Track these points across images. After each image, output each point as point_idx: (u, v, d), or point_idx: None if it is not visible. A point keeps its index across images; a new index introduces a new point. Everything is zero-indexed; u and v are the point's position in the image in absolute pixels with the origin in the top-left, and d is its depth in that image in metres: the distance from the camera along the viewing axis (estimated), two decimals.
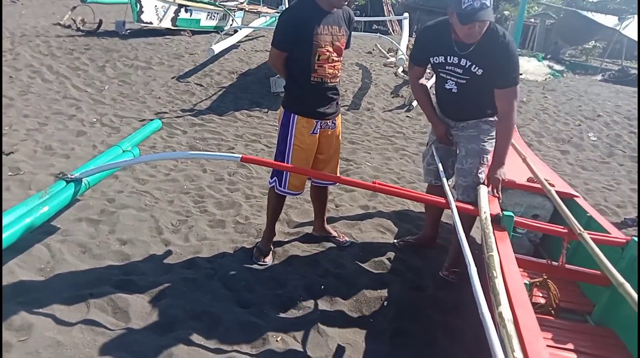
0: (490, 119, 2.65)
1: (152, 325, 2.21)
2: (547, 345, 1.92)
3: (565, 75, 13.76)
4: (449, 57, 2.49)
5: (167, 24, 9.34)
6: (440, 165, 2.75)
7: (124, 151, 3.46)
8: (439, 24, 2.55)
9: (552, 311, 2.27)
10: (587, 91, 10.25)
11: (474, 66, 2.44)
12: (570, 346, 2.03)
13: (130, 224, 3.06)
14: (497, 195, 2.54)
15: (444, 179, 2.61)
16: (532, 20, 23.82)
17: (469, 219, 2.61)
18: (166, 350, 2.05)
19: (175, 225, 3.16)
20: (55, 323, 2.13)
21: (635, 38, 17.12)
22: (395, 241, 3.24)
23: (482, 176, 2.64)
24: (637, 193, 4.57)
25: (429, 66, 2.71)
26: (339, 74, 2.62)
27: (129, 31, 9.05)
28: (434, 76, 2.73)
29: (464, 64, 2.46)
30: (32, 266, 2.49)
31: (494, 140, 2.63)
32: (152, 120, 4.93)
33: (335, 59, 2.54)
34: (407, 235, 3.35)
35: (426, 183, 3.05)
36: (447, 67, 2.53)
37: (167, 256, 2.79)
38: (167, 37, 9.21)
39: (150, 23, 8.94)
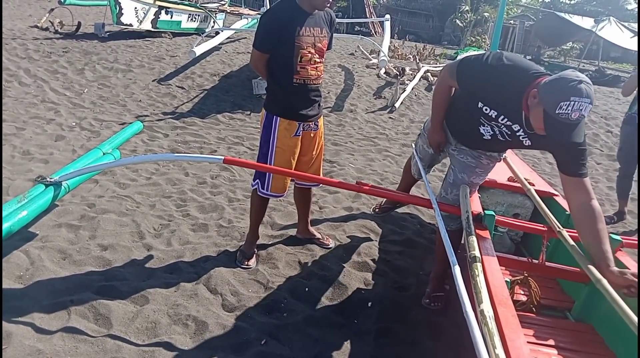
0: (495, 154, 2.43)
1: (134, 330, 2.18)
2: (528, 341, 1.95)
3: None
4: (502, 118, 2.07)
5: (147, 26, 9.24)
6: (422, 169, 2.70)
7: (104, 154, 3.42)
8: (512, 79, 1.95)
9: (533, 308, 2.30)
10: None
11: (525, 137, 2.08)
12: (550, 342, 2.07)
13: (111, 229, 3.01)
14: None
15: (427, 182, 2.61)
16: (512, 22, 24.21)
17: (457, 239, 2.47)
18: (149, 356, 2.03)
19: (157, 230, 3.12)
20: (35, 331, 2.09)
21: (611, 39, 17.52)
22: (373, 208, 3.35)
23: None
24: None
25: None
26: (321, 76, 2.63)
27: (108, 33, 8.94)
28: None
29: (516, 130, 2.07)
30: (11, 274, 2.44)
31: (486, 173, 2.47)
32: (132, 123, 4.87)
33: (318, 60, 2.55)
34: (391, 235, 3.37)
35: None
36: (492, 122, 2.13)
37: (149, 261, 2.76)
38: (147, 39, 9.11)
39: (130, 25, 8.83)
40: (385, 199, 3.21)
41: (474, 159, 2.41)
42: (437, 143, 2.55)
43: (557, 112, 1.71)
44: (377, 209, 3.31)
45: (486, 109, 2.10)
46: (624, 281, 1.78)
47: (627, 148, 4.18)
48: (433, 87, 5.25)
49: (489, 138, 2.21)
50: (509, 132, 2.12)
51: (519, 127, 2.05)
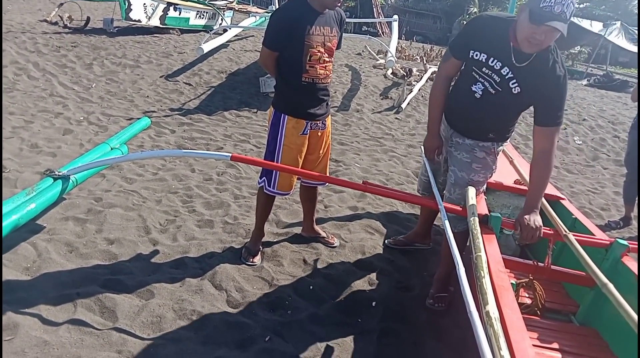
0: (487, 144, 2.43)
1: (139, 324, 2.19)
2: (533, 345, 1.95)
3: None
4: (491, 60, 2.19)
5: (155, 22, 9.27)
6: (431, 175, 2.62)
7: (112, 149, 3.43)
8: (499, 21, 2.19)
9: (538, 312, 2.30)
10: (572, 96, 10.38)
11: (514, 81, 2.16)
12: (555, 345, 2.06)
13: (118, 223, 3.03)
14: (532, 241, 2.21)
15: (435, 188, 2.54)
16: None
17: (463, 240, 2.43)
18: (154, 350, 2.04)
19: (163, 225, 3.14)
20: (41, 322, 2.10)
21: (619, 44, 17.42)
22: (387, 241, 3.26)
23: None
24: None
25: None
26: (330, 75, 2.63)
27: (117, 29, 8.98)
28: (457, 77, 2.46)
29: (504, 74, 2.16)
30: (18, 265, 2.46)
31: (485, 170, 2.47)
32: (140, 118, 4.89)
33: (327, 59, 2.55)
34: (396, 235, 3.37)
35: (419, 194, 2.96)
36: (483, 69, 2.23)
37: (155, 255, 2.77)
38: (155, 35, 9.15)
39: (139, 21, 8.87)
40: (401, 236, 3.25)
41: (468, 154, 2.43)
42: (434, 146, 2.57)
43: (541, 6, 1.90)
44: (391, 241, 3.23)
45: (477, 56, 2.23)
46: (526, 229, 2.13)
47: (634, 153, 4.16)
48: None
49: (480, 94, 2.26)
50: (499, 80, 2.19)
51: (507, 70, 2.15)
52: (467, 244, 2.24)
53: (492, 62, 2.19)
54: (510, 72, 2.15)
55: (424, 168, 2.80)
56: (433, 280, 2.73)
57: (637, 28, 18.07)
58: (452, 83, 2.50)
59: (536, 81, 2.11)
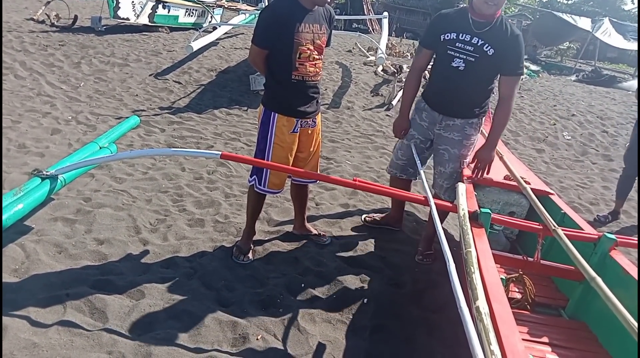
0: (475, 120, 2.76)
1: (130, 325, 2.18)
2: (523, 339, 1.97)
3: (540, 75, 14.05)
4: (461, 35, 2.56)
5: (144, 20, 9.19)
6: (420, 169, 2.82)
7: (100, 148, 3.41)
8: (456, 9, 2.69)
9: (528, 306, 2.32)
10: (562, 91, 10.47)
11: (486, 44, 2.51)
12: (545, 339, 2.08)
13: (107, 223, 3.01)
14: (481, 174, 2.78)
15: (424, 178, 2.67)
16: (509, 20, 24.24)
17: (444, 213, 2.81)
18: (145, 350, 2.03)
19: (153, 224, 3.12)
20: (30, 324, 2.08)
21: (607, 41, 17.58)
22: (362, 217, 3.44)
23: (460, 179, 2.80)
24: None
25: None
26: (320, 72, 2.63)
27: (105, 27, 8.88)
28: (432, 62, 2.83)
29: (475, 42, 2.53)
30: (6, 267, 2.43)
31: (472, 145, 2.82)
32: (129, 117, 4.86)
33: (316, 57, 2.54)
34: (387, 232, 3.38)
35: (389, 174, 3.24)
36: (457, 45, 2.57)
37: (145, 255, 2.75)
38: (144, 33, 9.07)
39: (127, 19, 8.78)
40: (377, 214, 3.51)
41: (459, 133, 2.75)
42: (403, 128, 2.94)
43: None
44: (367, 218, 3.43)
45: (448, 36, 2.59)
46: (484, 161, 2.70)
47: (635, 149, 4.18)
48: None
49: (464, 66, 2.58)
50: (473, 49, 2.54)
51: (477, 39, 2.53)
52: (458, 240, 2.26)
53: (462, 36, 2.56)
54: (479, 39, 2.53)
55: (399, 153, 3.05)
56: (421, 239, 3.16)
57: (625, 24, 18.25)
58: (428, 74, 2.85)
59: (501, 41, 2.51)
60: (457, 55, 2.58)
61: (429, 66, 2.91)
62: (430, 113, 2.83)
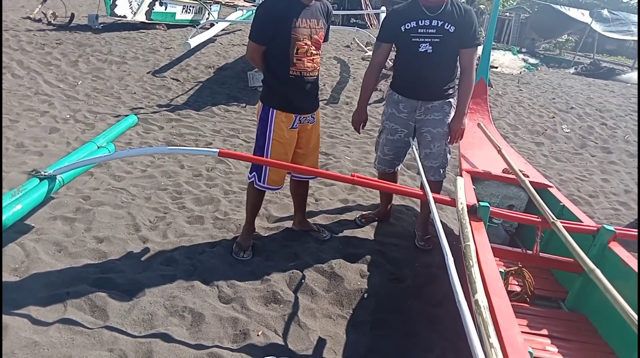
0: (451, 100, 2.90)
1: (131, 322, 2.18)
2: (522, 331, 1.98)
3: (539, 68, 14.03)
4: (420, 21, 2.69)
5: (141, 17, 9.16)
6: (420, 166, 2.82)
7: (99, 147, 3.40)
8: (405, 3, 2.83)
9: (527, 299, 2.32)
10: (560, 84, 10.47)
11: (446, 24, 2.66)
12: (544, 332, 2.09)
13: (107, 221, 3.01)
14: (458, 142, 3.00)
15: (423, 174, 2.66)
16: (507, 14, 24.16)
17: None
18: (146, 348, 2.03)
19: (153, 222, 3.12)
20: (31, 323, 2.09)
21: (605, 33, 17.54)
22: (357, 218, 3.41)
23: (449, 156, 2.97)
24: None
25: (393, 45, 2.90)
26: (318, 68, 2.62)
27: (102, 25, 8.86)
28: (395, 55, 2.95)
29: (435, 24, 2.68)
30: (6, 266, 2.43)
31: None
32: (127, 116, 4.85)
33: (314, 52, 2.54)
34: (387, 227, 3.38)
35: (378, 170, 3.27)
36: (419, 31, 2.70)
37: (145, 253, 2.76)
38: (141, 31, 9.04)
39: (124, 17, 8.75)
40: (369, 212, 3.52)
41: (439, 112, 2.88)
42: (361, 120, 3.06)
43: None
44: (363, 220, 3.39)
45: (408, 26, 2.71)
46: (458, 130, 2.86)
47: None
48: None
49: (431, 49, 2.71)
50: (434, 31, 2.68)
51: (435, 21, 2.67)
52: (457, 234, 2.27)
53: (421, 22, 2.69)
54: (438, 21, 2.67)
55: (385, 149, 3.11)
56: (417, 226, 3.27)
57: (623, 14, 18.19)
58: (395, 66, 2.95)
59: (457, 17, 2.67)
60: (422, 40, 2.71)
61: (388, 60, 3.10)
62: (407, 102, 2.91)
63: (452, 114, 2.90)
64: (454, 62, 2.82)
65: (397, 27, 2.75)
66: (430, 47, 2.70)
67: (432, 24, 2.68)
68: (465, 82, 2.80)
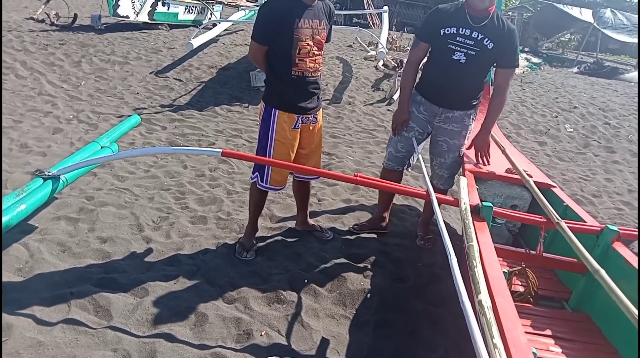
0: (472, 111, 2.87)
1: (134, 322, 2.19)
2: (526, 332, 1.97)
3: (542, 68, 14.00)
4: (461, 29, 2.62)
5: (144, 17, 9.17)
6: (424, 167, 2.81)
7: (102, 147, 3.42)
8: (452, 4, 2.73)
9: (531, 299, 2.32)
10: (563, 83, 10.44)
11: (486, 39, 2.60)
12: (548, 332, 2.08)
13: (110, 222, 3.02)
14: (485, 160, 2.93)
15: (425, 173, 2.68)
16: (510, 13, 24.11)
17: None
18: (150, 347, 2.04)
19: (156, 222, 3.13)
20: (35, 323, 2.10)
21: (609, 33, 17.48)
22: (351, 227, 3.30)
23: (460, 168, 2.95)
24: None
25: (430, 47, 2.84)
26: (320, 68, 2.62)
27: (104, 25, 8.87)
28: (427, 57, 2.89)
29: (475, 37, 2.61)
30: (11, 266, 2.44)
31: (468, 135, 2.94)
32: (130, 116, 4.86)
33: (316, 52, 2.54)
34: (389, 227, 3.37)
35: (388, 167, 3.16)
36: (457, 39, 2.64)
37: (148, 253, 2.76)
38: (144, 31, 9.06)
39: (127, 17, 8.77)
40: (364, 221, 3.37)
41: (458, 124, 2.85)
42: (404, 120, 2.94)
43: None
44: (356, 227, 3.29)
45: (448, 30, 2.64)
46: (483, 147, 2.89)
47: None
48: None
49: (464, 59, 2.64)
50: (472, 43, 2.62)
51: (477, 33, 2.60)
52: (460, 234, 2.27)
53: (462, 31, 2.62)
54: (479, 34, 2.60)
55: (399, 145, 3.04)
56: (418, 225, 3.32)
57: (627, 14, 18.13)
58: (425, 67, 2.90)
59: (499, 35, 2.60)
60: (458, 49, 2.64)
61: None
62: (428, 106, 2.88)
63: (471, 126, 2.90)
64: (483, 77, 2.80)
65: (436, 29, 2.69)
66: (465, 58, 2.64)
67: (472, 35, 2.61)
68: (497, 100, 2.79)
